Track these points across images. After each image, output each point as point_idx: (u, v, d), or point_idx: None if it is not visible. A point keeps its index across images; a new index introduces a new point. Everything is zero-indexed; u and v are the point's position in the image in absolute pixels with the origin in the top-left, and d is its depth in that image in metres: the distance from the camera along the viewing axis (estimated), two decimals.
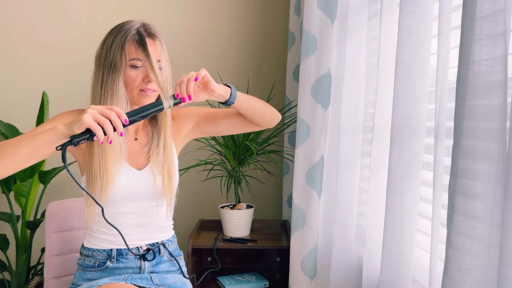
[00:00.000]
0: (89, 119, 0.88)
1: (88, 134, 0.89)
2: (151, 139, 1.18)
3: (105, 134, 0.89)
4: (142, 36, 1.08)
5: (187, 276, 1.25)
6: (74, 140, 0.89)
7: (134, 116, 0.95)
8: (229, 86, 1.09)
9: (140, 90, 1.09)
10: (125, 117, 0.92)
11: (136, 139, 1.19)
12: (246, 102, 1.13)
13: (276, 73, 2.14)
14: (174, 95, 1.02)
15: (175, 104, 1.01)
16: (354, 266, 1.27)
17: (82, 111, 1.11)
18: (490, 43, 0.62)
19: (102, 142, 0.89)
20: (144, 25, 1.11)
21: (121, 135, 0.92)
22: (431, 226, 0.80)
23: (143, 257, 1.18)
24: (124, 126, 0.93)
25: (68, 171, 0.91)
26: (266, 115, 1.20)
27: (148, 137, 1.20)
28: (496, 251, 0.62)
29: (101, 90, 1.08)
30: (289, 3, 2.05)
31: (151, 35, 1.10)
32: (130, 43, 1.07)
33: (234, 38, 2.14)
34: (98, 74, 1.10)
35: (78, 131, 0.89)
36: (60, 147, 0.90)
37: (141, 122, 1.19)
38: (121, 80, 1.07)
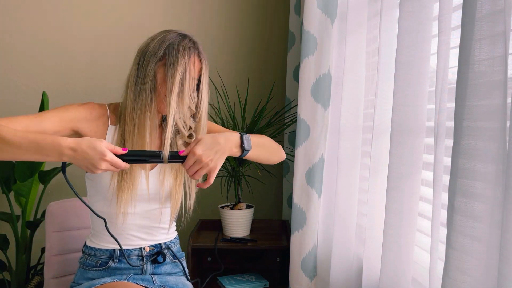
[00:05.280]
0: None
1: None
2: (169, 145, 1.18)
3: None
4: (192, 47, 1.07)
5: (189, 279, 1.25)
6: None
7: (133, 157, 0.99)
8: (243, 148, 1.08)
9: (165, 96, 1.07)
10: (126, 165, 0.97)
11: None
12: (255, 156, 1.15)
13: (276, 73, 2.14)
14: (177, 154, 1.01)
15: (171, 162, 1.02)
16: (354, 266, 1.26)
17: (100, 108, 1.14)
18: (490, 43, 0.62)
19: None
20: (197, 44, 1.10)
21: None
22: (431, 226, 0.80)
23: (153, 260, 1.18)
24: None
25: (73, 190, 1.02)
26: (270, 161, 1.25)
27: (162, 140, 1.17)
28: (496, 251, 0.62)
29: (133, 80, 1.08)
30: (289, 3, 2.05)
31: (201, 54, 1.09)
32: (177, 43, 1.06)
33: (234, 38, 2.14)
34: (135, 63, 1.09)
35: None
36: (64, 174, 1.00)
37: (154, 123, 1.15)
38: (151, 75, 1.06)
